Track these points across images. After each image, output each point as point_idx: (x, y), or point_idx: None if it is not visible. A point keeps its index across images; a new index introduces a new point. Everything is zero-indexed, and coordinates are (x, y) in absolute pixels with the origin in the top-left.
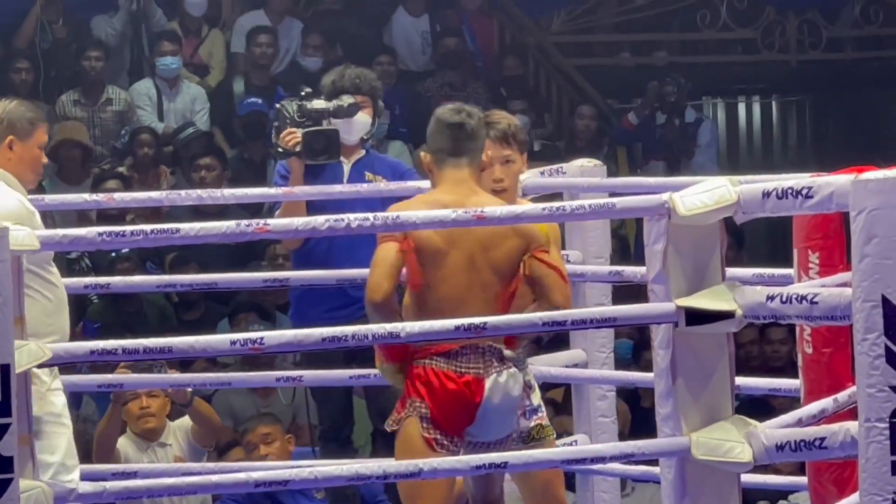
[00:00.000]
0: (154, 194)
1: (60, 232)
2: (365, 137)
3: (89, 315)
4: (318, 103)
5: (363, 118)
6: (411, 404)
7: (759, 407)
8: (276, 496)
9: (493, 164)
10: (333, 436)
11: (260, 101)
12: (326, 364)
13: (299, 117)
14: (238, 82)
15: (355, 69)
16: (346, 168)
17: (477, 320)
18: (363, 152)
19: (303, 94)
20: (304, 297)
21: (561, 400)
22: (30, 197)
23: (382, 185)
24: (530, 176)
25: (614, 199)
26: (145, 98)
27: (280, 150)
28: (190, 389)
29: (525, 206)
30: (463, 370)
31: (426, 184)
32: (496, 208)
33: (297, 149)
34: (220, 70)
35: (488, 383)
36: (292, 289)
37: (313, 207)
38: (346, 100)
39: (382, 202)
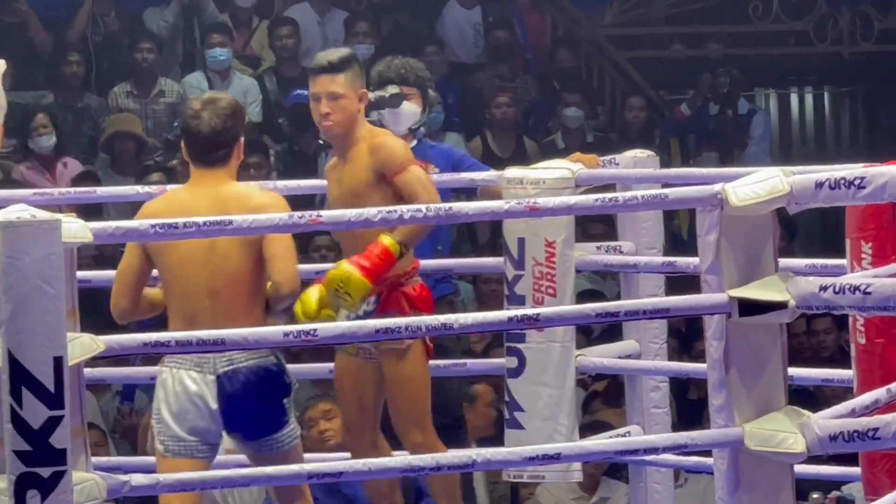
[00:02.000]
0: None
1: (113, 224)
2: (413, 128)
3: None
4: None
5: (410, 108)
6: None
7: (807, 398)
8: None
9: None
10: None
11: (306, 92)
12: None
13: None
14: (269, 78)
15: (402, 59)
16: None
17: (531, 311)
18: (414, 142)
19: None
20: None
21: (602, 389)
22: (82, 189)
23: (435, 177)
24: (582, 169)
25: (667, 190)
26: (196, 91)
27: (321, 141)
28: None
29: (578, 198)
30: None
31: (483, 174)
32: (549, 199)
33: None
34: (271, 62)
35: None
36: None
37: None
38: (391, 90)
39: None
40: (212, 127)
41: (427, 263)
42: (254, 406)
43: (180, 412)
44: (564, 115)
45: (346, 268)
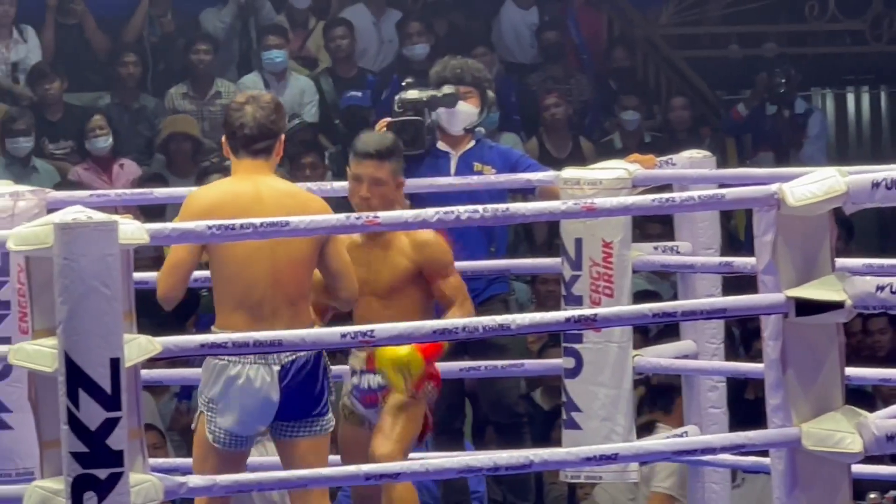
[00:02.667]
0: None
1: (170, 226)
2: (468, 128)
3: (202, 308)
4: (413, 94)
5: (466, 108)
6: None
7: (864, 397)
8: None
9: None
10: (445, 428)
11: (360, 94)
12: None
13: (398, 108)
14: (325, 79)
15: (459, 59)
16: (453, 160)
17: (588, 312)
18: (472, 142)
19: (403, 84)
20: None
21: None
22: (139, 190)
23: (492, 178)
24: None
25: (723, 191)
26: None
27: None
28: None
29: (635, 198)
30: None
31: (539, 174)
32: (606, 200)
33: None
34: (327, 62)
35: None
36: None
37: (416, 200)
38: (446, 90)
39: (490, 193)
40: (256, 119)
41: (482, 264)
42: (308, 388)
43: (242, 410)
44: (622, 117)
45: (412, 351)
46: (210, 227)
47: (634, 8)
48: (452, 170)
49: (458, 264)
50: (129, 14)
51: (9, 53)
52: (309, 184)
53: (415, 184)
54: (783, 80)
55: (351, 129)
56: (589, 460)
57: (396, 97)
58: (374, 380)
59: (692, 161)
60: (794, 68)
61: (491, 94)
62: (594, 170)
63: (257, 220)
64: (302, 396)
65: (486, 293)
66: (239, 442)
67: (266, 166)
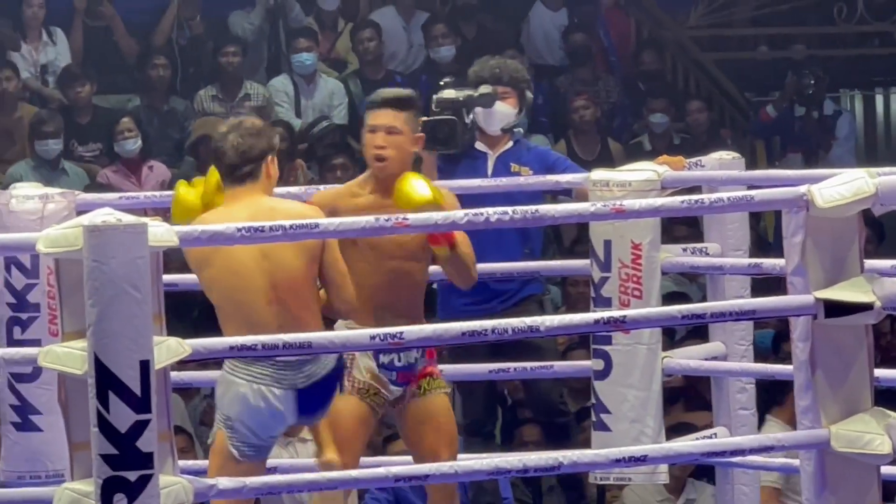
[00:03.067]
0: (293, 189)
1: (199, 228)
2: (505, 128)
3: None
4: (449, 93)
5: (504, 108)
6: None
7: (893, 399)
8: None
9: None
10: (477, 430)
11: None
12: (470, 358)
13: (434, 107)
14: (353, 81)
15: (497, 59)
16: (491, 160)
17: (616, 314)
18: (510, 143)
19: (441, 83)
20: (450, 289)
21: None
22: (168, 192)
23: (521, 179)
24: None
25: (752, 192)
26: (282, 94)
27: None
28: None
29: (664, 200)
30: None
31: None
32: (635, 202)
33: None
34: (356, 65)
35: None
36: (439, 282)
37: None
38: (483, 90)
39: (527, 194)
40: (235, 146)
41: (515, 265)
42: (326, 397)
43: (260, 426)
44: (650, 120)
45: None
46: (240, 230)
47: (663, 10)
48: (489, 170)
49: (492, 266)
50: (158, 17)
51: (38, 56)
52: (339, 186)
53: (447, 184)
54: (812, 82)
55: None
56: (618, 462)
57: (434, 96)
58: (410, 356)
59: (721, 163)
60: (822, 70)
61: (529, 94)
62: (623, 172)
63: (286, 222)
64: (319, 406)
65: (521, 294)
66: (260, 451)
67: (255, 188)
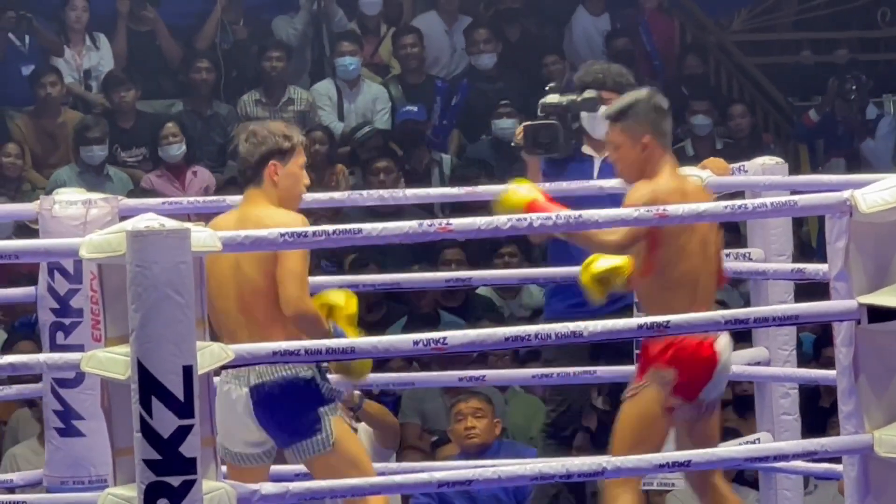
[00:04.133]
0: (336, 195)
1: (242, 233)
2: None
3: None
4: (552, 98)
5: None
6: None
7: None
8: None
9: None
10: (554, 434)
11: (416, 108)
12: (572, 360)
13: (539, 112)
14: (395, 86)
15: (602, 64)
16: (597, 163)
17: (660, 319)
18: None
19: (547, 88)
20: (553, 291)
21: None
22: (213, 198)
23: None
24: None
25: (795, 197)
26: (326, 99)
27: (513, 143)
28: (358, 393)
29: (706, 204)
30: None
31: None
32: (678, 207)
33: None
34: (398, 69)
35: (720, 342)
36: (545, 284)
37: (561, 201)
38: (587, 94)
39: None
40: (240, 153)
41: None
42: (282, 415)
43: (225, 425)
44: (692, 122)
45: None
46: (282, 235)
47: (706, 14)
48: (595, 173)
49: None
50: (202, 21)
51: (81, 61)
52: (381, 191)
53: (553, 187)
54: (854, 87)
55: (406, 143)
56: (662, 467)
57: (540, 101)
58: None
59: (764, 168)
60: (865, 74)
61: None
62: None
63: (329, 228)
64: (279, 424)
65: (626, 299)
66: (237, 458)
67: (258, 194)
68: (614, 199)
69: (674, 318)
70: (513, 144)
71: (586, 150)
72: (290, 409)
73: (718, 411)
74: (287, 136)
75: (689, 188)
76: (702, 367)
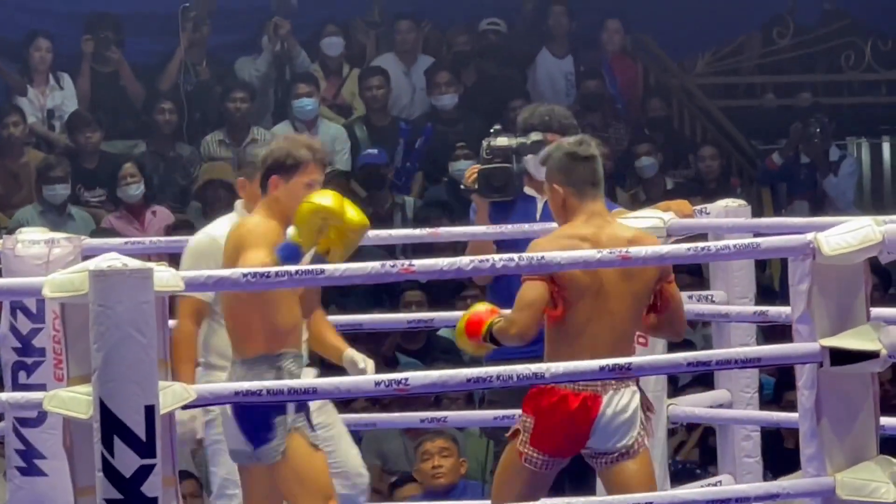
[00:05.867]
0: None
1: (205, 273)
2: None
3: None
4: (502, 140)
5: None
6: (523, 419)
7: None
8: None
9: None
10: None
11: (377, 151)
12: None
13: (486, 154)
14: (360, 127)
15: (546, 106)
16: (539, 203)
17: (622, 361)
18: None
19: (492, 131)
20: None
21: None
22: (174, 238)
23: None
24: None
25: (759, 239)
26: None
27: (463, 186)
28: None
29: (669, 247)
30: (580, 388)
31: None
32: (640, 249)
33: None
34: (362, 111)
35: (605, 399)
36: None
37: (504, 245)
38: (533, 137)
39: None
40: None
41: None
42: (241, 420)
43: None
44: (636, 165)
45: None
46: (245, 276)
47: (670, 57)
48: (538, 214)
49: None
50: (165, 62)
51: (44, 100)
52: None
53: (451, 233)
54: (818, 130)
55: (368, 186)
56: None
57: (485, 143)
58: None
59: (727, 210)
60: (829, 118)
61: None
62: (629, 218)
63: (292, 268)
64: (243, 426)
65: None
66: (235, 455)
67: (263, 203)
68: None
69: (636, 359)
70: (462, 187)
71: (528, 190)
72: (247, 415)
73: (644, 459)
74: (291, 153)
75: (606, 236)
76: (565, 420)
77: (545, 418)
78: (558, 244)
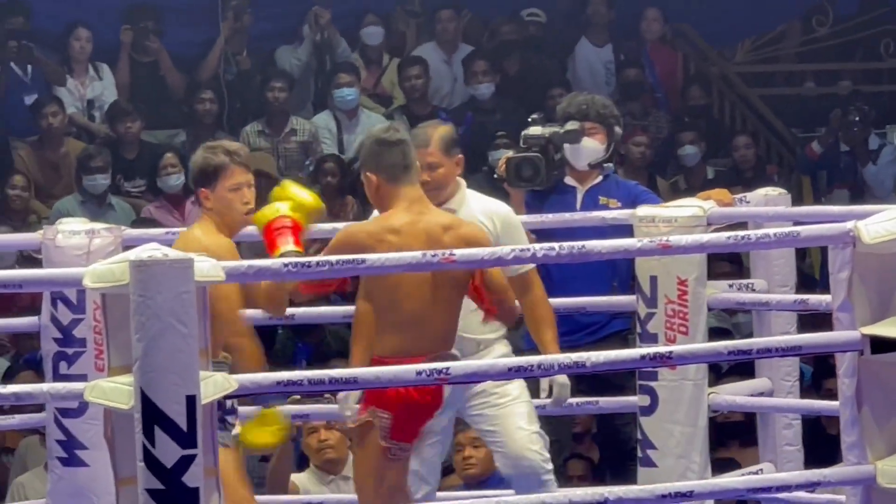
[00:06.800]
0: (340, 224)
1: (246, 263)
2: (593, 163)
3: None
4: (535, 130)
5: (591, 144)
6: (373, 413)
7: None
8: None
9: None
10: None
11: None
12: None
13: (522, 144)
14: (399, 117)
15: (586, 95)
16: (580, 194)
17: (662, 349)
18: (599, 178)
19: (529, 120)
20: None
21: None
22: None
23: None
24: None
25: (799, 228)
26: (325, 130)
27: (495, 175)
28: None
29: (710, 236)
30: None
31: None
32: (681, 237)
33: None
34: (402, 100)
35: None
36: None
37: (542, 233)
38: (568, 126)
39: (616, 228)
40: None
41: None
42: None
43: None
44: (679, 153)
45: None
46: (286, 265)
47: (710, 45)
48: (578, 204)
49: (573, 300)
50: (205, 52)
51: (84, 90)
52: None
53: (535, 219)
54: (857, 118)
55: None
56: (664, 498)
57: (522, 133)
58: None
59: (767, 199)
60: (868, 105)
61: (618, 129)
62: (669, 207)
63: (333, 258)
64: None
65: (608, 328)
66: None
67: (203, 216)
68: (599, 230)
69: (676, 348)
70: (495, 177)
71: (569, 180)
72: None
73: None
74: (210, 161)
75: (424, 223)
76: (418, 413)
77: (403, 412)
78: (364, 232)
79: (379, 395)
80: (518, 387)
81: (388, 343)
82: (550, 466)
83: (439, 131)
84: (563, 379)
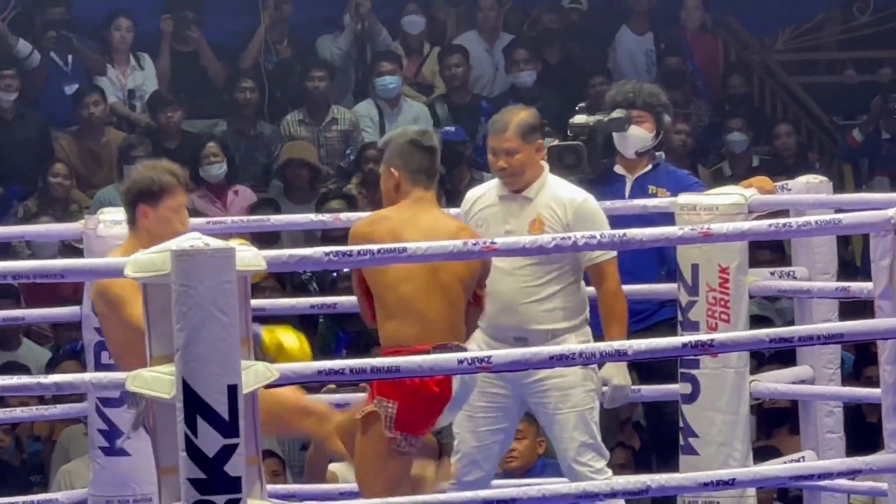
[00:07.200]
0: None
1: (287, 252)
2: (640, 151)
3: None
4: (580, 118)
5: (638, 132)
6: (379, 403)
7: None
8: None
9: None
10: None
11: (453, 129)
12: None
13: (569, 133)
14: (441, 105)
15: (634, 84)
16: (629, 182)
17: (704, 337)
18: (649, 166)
19: (577, 108)
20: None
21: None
22: (256, 217)
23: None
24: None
25: (840, 216)
26: (367, 119)
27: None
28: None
29: (751, 224)
30: None
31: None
32: (722, 225)
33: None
34: (443, 89)
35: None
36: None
37: None
38: (614, 114)
39: (663, 216)
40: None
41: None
42: None
43: None
44: (727, 139)
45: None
46: (327, 254)
47: (750, 34)
48: (627, 192)
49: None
50: (246, 41)
51: (125, 80)
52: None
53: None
54: None
55: (446, 163)
56: (706, 486)
57: (569, 121)
58: None
59: (808, 186)
60: None
61: (667, 118)
62: (710, 195)
63: (374, 247)
64: None
65: (657, 316)
66: None
67: (132, 237)
68: (647, 219)
69: (718, 336)
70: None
71: (618, 168)
72: None
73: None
74: (156, 180)
75: (423, 222)
76: (426, 403)
77: (410, 402)
78: (361, 222)
79: (385, 382)
80: (579, 389)
81: (385, 332)
82: (603, 475)
83: (519, 116)
84: (618, 380)
